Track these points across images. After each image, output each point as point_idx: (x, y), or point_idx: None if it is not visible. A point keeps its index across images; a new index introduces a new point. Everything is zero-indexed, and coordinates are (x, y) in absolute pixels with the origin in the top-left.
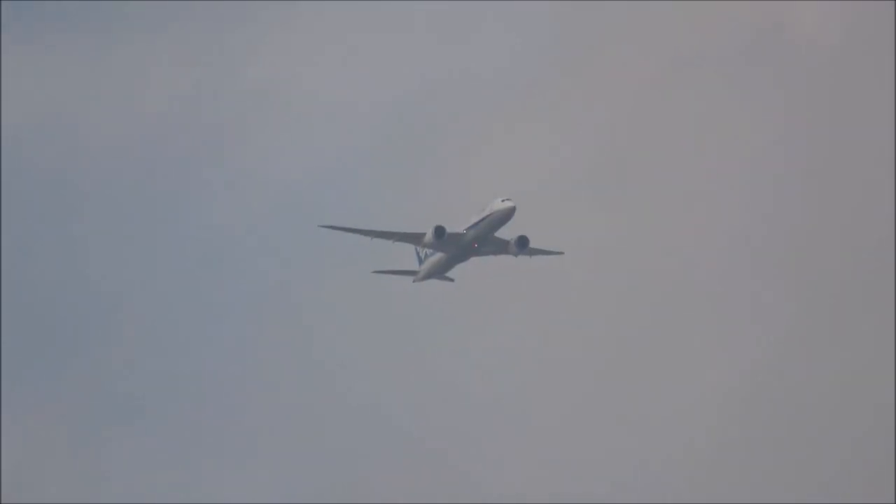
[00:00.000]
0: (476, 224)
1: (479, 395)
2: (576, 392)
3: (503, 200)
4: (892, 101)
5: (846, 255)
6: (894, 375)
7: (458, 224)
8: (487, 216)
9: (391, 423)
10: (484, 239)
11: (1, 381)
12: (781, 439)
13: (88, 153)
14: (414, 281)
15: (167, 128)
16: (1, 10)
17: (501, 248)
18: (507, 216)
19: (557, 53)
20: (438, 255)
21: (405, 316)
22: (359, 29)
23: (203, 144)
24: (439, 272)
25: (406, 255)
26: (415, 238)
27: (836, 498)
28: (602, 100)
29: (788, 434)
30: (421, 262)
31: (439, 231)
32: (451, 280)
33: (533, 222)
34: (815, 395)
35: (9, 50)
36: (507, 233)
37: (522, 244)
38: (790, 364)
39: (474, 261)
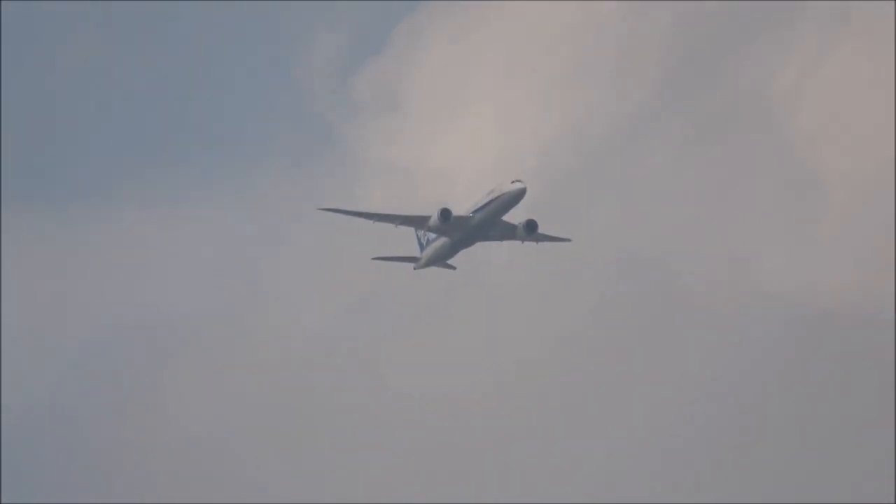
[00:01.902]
0: (484, 206)
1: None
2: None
3: (514, 181)
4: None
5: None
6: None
7: (462, 208)
8: (496, 198)
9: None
10: (491, 222)
11: None
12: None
13: None
14: (415, 268)
15: None
16: None
17: (508, 232)
18: (517, 198)
19: None
20: (442, 241)
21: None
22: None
23: None
24: (442, 258)
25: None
26: (419, 221)
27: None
28: None
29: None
30: (423, 248)
31: (445, 214)
32: (453, 268)
33: None
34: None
35: None
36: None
37: (531, 228)
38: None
39: (478, 247)
